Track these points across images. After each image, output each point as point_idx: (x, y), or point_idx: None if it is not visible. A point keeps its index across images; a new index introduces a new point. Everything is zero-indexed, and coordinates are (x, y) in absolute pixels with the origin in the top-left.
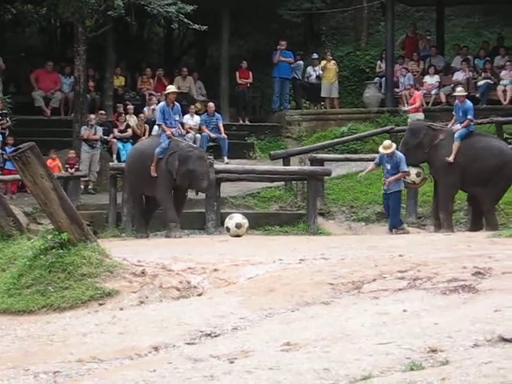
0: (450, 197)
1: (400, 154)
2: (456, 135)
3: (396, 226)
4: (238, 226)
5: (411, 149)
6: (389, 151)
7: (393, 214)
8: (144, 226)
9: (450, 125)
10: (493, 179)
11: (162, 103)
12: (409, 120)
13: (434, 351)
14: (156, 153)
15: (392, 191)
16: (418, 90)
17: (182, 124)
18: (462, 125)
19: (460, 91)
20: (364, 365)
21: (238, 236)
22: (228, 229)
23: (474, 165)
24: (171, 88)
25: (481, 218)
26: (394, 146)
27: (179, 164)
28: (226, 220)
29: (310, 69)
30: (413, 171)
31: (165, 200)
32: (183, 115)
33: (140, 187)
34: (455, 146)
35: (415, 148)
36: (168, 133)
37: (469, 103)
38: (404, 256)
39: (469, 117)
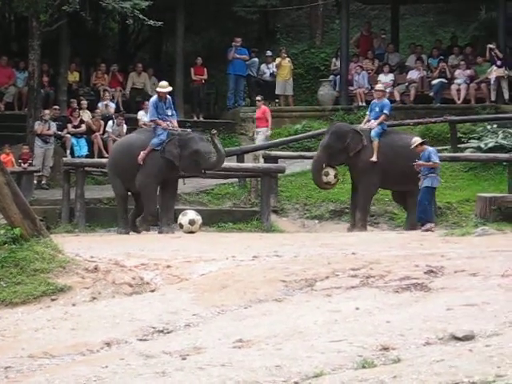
0: (370, 197)
1: (430, 148)
2: (373, 134)
3: (421, 220)
4: (192, 222)
5: (336, 152)
6: (413, 146)
7: (418, 207)
8: (126, 223)
9: (362, 124)
10: (414, 178)
11: (154, 98)
12: (256, 135)
13: (385, 349)
14: (153, 143)
15: (422, 186)
16: (265, 104)
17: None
18: (378, 121)
19: (379, 87)
20: (316, 362)
21: (192, 232)
22: (181, 225)
23: (396, 164)
24: (163, 86)
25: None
26: (419, 140)
27: (181, 149)
28: (180, 216)
29: (263, 66)
30: (331, 172)
31: (147, 191)
32: (137, 111)
33: (126, 183)
34: (375, 145)
35: (340, 151)
36: (164, 125)
37: (387, 100)
38: (357, 254)
39: (385, 111)
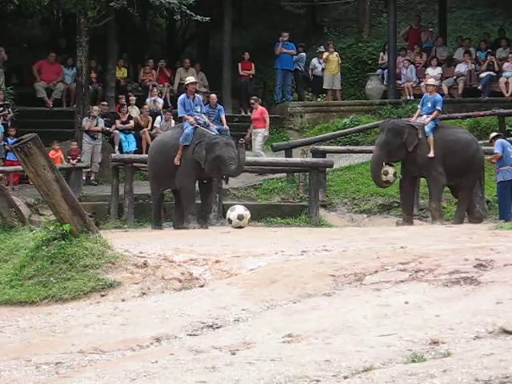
0: (441, 187)
1: (497, 141)
2: (427, 129)
3: (504, 217)
4: (240, 217)
5: (394, 149)
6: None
7: (499, 204)
8: (160, 219)
9: (414, 118)
10: (466, 172)
11: (183, 95)
12: (254, 137)
13: (435, 343)
14: (180, 141)
15: (497, 181)
16: (262, 105)
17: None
18: (431, 116)
19: (431, 81)
20: (366, 356)
21: (240, 227)
22: (230, 220)
23: (449, 158)
24: (190, 79)
25: (473, 208)
26: (493, 135)
27: (206, 152)
28: (228, 211)
29: (315, 61)
30: (391, 171)
31: (186, 190)
32: None
33: (163, 181)
34: (430, 140)
35: (398, 148)
36: (191, 120)
37: (439, 95)
38: (406, 248)
39: (437, 107)
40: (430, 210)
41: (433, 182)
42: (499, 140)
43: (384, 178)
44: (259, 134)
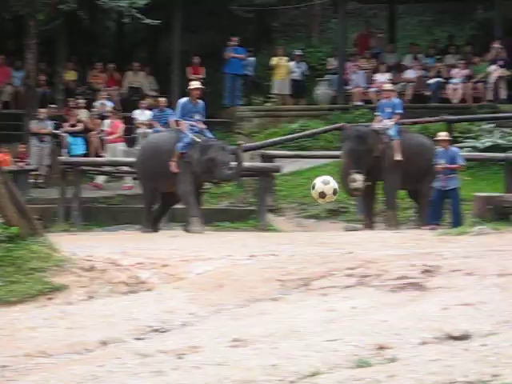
0: (396, 195)
1: (455, 149)
2: (392, 133)
3: (435, 222)
4: (326, 182)
5: (361, 156)
6: (440, 138)
7: (456, 212)
8: (151, 222)
9: (375, 125)
10: (426, 176)
11: (185, 99)
12: (108, 151)
13: (381, 348)
14: (178, 148)
15: (451, 188)
16: (119, 118)
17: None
18: (394, 120)
19: (388, 86)
20: (312, 361)
21: (323, 197)
22: (313, 186)
23: (412, 162)
24: (195, 84)
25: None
26: (448, 137)
27: (200, 154)
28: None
29: (293, 65)
30: (359, 177)
31: (186, 195)
32: (133, 110)
33: (152, 182)
34: (396, 143)
35: (365, 154)
36: (183, 127)
37: (397, 99)
38: (353, 253)
39: (398, 111)
40: (387, 217)
41: (390, 188)
42: (457, 149)
43: (353, 185)
44: (112, 148)
